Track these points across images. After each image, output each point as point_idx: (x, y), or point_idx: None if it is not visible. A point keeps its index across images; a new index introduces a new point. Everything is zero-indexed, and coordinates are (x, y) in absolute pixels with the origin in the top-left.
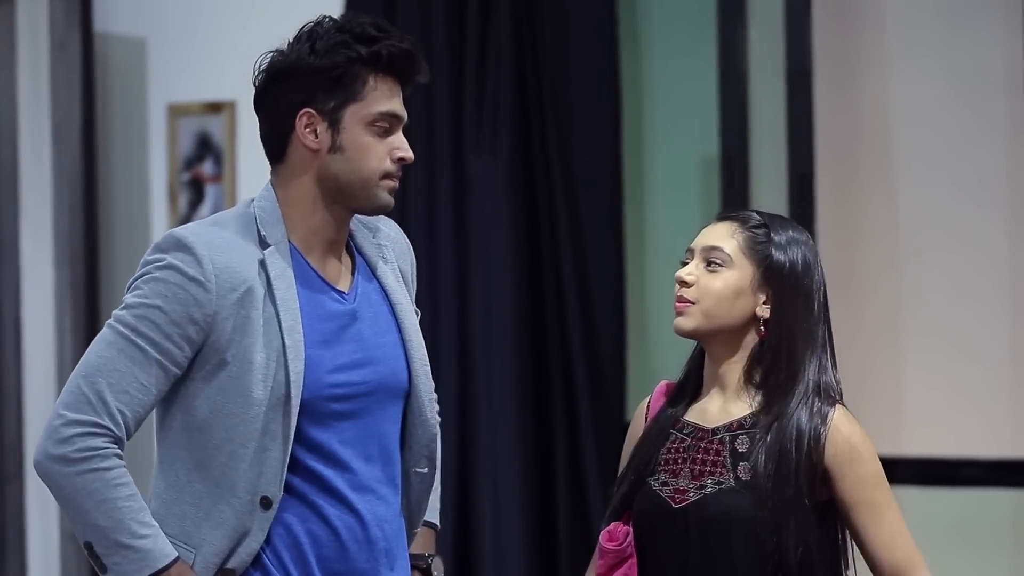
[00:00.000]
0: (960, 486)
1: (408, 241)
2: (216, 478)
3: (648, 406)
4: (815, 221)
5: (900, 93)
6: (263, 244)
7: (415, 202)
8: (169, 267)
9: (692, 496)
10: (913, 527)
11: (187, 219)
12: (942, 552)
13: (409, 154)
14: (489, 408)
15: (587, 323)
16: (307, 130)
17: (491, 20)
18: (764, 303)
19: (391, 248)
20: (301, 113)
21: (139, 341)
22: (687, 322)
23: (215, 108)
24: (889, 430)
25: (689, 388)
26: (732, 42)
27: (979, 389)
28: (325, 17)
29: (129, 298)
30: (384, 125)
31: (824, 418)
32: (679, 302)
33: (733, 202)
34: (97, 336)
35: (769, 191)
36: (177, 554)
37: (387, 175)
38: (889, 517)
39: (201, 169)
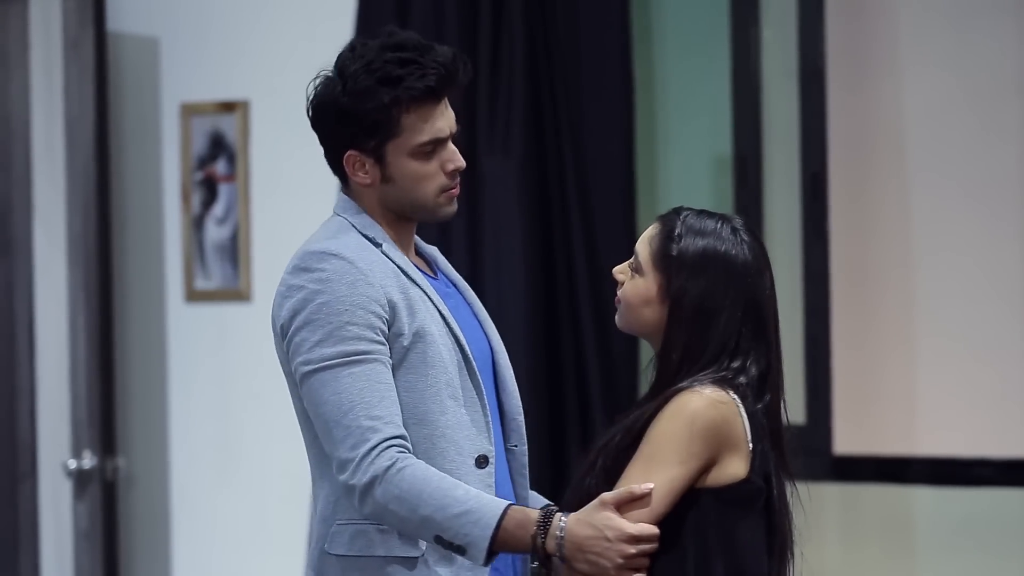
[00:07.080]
0: (972, 486)
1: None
2: (428, 449)
3: None
4: (828, 220)
5: (913, 93)
6: (374, 243)
7: None
8: (328, 280)
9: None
10: (926, 526)
11: (200, 219)
12: (954, 551)
13: (460, 163)
14: None
15: (600, 321)
16: (355, 169)
17: (504, 19)
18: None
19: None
20: (347, 156)
21: (355, 357)
22: (618, 319)
23: (228, 107)
24: (902, 430)
25: None
26: (745, 42)
27: (991, 389)
28: (356, 46)
29: (311, 337)
30: (427, 150)
31: (658, 405)
32: (616, 299)
33: (746, 201)
34: (312, 390)
35: (782, 191)
36: (507, 502)
37: (443, 189)
38: (637, 470)
39: (214, 168)
